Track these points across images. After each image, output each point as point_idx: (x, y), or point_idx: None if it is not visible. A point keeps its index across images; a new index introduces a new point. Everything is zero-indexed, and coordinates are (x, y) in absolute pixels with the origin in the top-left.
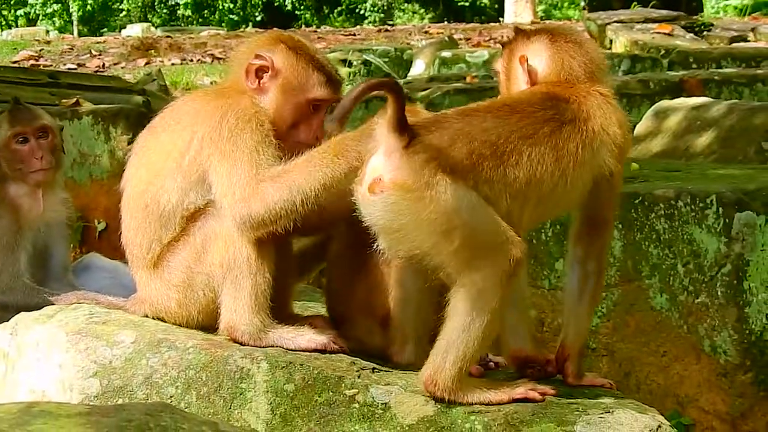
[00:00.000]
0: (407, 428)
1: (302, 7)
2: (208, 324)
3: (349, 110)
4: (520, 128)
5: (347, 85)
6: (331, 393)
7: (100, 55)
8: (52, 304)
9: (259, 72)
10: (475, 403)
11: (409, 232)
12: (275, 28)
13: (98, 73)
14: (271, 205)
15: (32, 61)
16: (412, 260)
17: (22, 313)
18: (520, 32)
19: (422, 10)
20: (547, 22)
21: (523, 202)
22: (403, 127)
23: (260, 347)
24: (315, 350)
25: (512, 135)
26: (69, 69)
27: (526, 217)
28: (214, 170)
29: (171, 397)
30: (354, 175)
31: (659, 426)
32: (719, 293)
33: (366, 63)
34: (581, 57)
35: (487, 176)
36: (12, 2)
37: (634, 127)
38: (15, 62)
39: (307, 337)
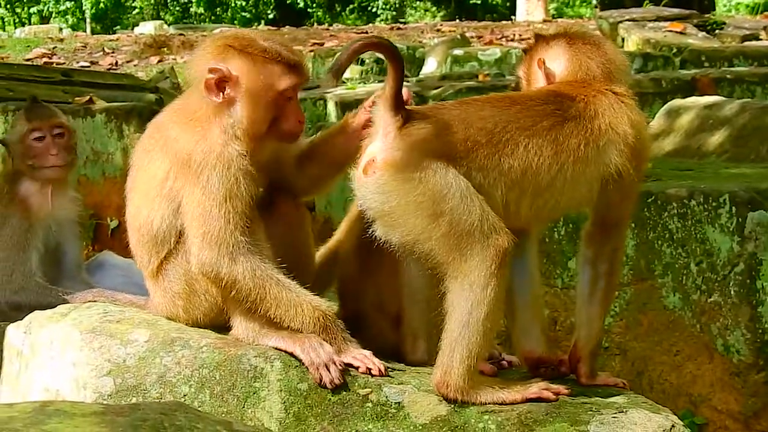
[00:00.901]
0: (420, 428)
1: (314, 5)
2: (219, 324)
3: (345, 65)
4: (518, 119)
5: (359, 82)
6: (344, 392)
7: (113, 52)
8: (67, 302)
9: (220, 84)
10: (489, 403)
11: (399, 215)
12: (239, 29)
13: (111, 71)
14: (236, 276)
15: (45, 59)
16: (405, 248)
17: (36, 311)
18: (540, 38)
19: (434, 8)
20: (559, 20)
21: (520, 194)
22: (398, 106)
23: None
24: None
25: (510, 125)
26: (82, 67)
27: (525, 210)
28: (186, 207)
29: (184, 395)
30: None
31: (673, 426)
32: (732, 292)
33: (378, 61)
34: (599, 57)
35: (481, 163)
36: (25, 0)
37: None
38: (28, 60)
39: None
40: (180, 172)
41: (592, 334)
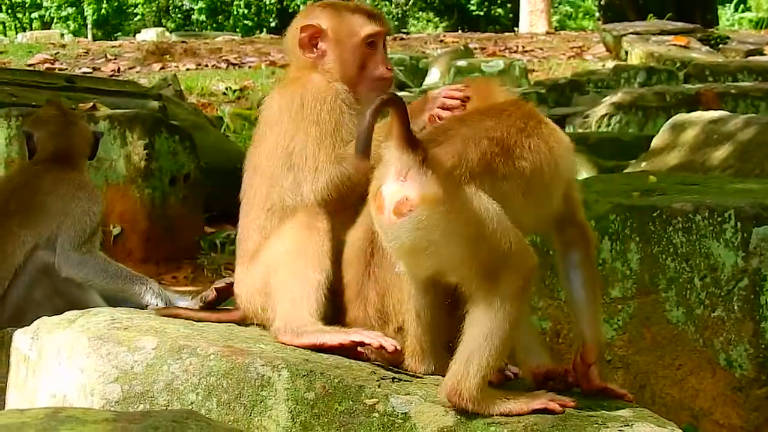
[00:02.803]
0: None
1: None
2: None
3: (369, 139)
4: (514, 123)
5: None
6: (351, 402)
7: (115, 59)
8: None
9: (312, 40)
10: (497, 414)
11: (438, 247)
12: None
13: (114, 78)
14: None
15: (47, 65)
16: (431, 278)
17: (44, 317)
18: None
19: (437, 19)
20: (562, 33)
21: (529, 197)
22: (414, 144)
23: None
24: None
25: (510, 129)
26: (84, 73)
27: (531, 216)
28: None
29: (192, 403)
30: None
31: None
32: (736, 307)
33: None
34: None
35: (502, 172)
36: (27, 5)
37: (651, 139)
38: (30, 65)
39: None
40: (291, 124)
41: (598, 336)
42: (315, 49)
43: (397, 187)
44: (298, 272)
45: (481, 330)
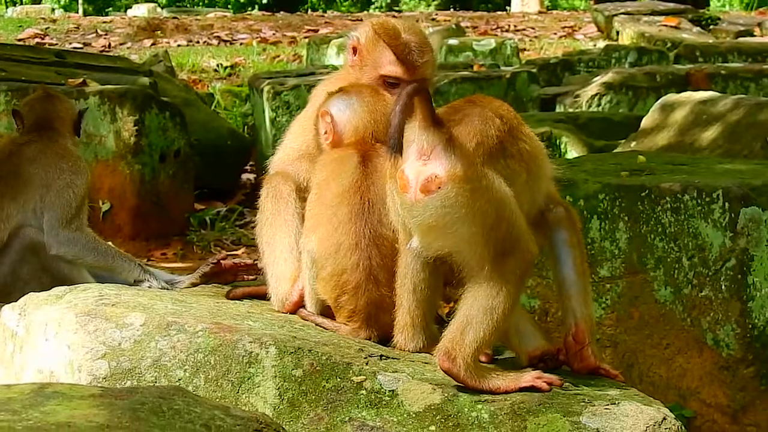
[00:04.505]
0: (414, 416)
1: None
2: None
3: (400, 135)
4: (508, 108)
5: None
6: (338, 379)
7: (106, 34)
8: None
9: (354, 51)
10: (485, 389)
11: (462, 225)
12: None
13: (104, 53)
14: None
15: (38, 40)
16: (441, 254)
17: (31, 293)
18: None
19: None
20: (554, 12)
21: (529, 178)
22: (439, 123)
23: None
24: None
25: (509, 112)
26: (74, 48)
27: (529, 198)
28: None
29: (179, 380)
30: None
31: (664, 418)
32: (723, 287)
33: None
34: None
35: (510, 152)
36: None
37: (641, 119)
38: (20, 40)
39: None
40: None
41: (590, 314)
42: (352, 59)
43: (420, 165)
44: (269, 241)
45: (481, 304)
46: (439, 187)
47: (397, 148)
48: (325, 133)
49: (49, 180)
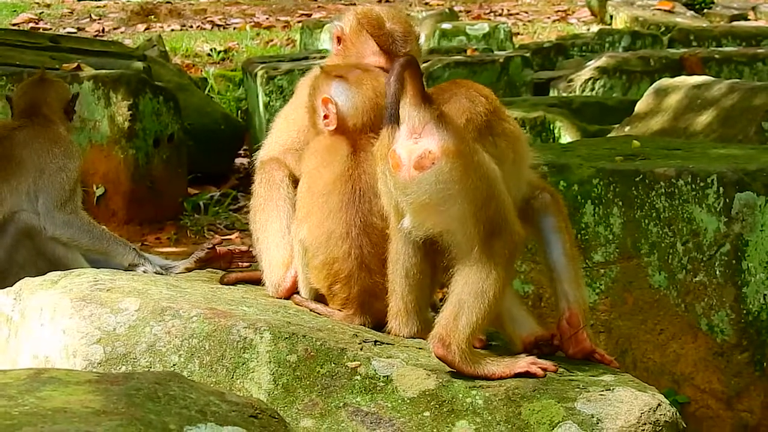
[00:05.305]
0: (408, 401)
1: None
2: None
3: (396, 105)
4: (490, 91)
5: None
6: (333, 365)
7: (99, 19)
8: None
9: (339, 40)
10: (480, 375)
11: (455, 202)
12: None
13: (98, 38)
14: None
15: (32, 24)
16: (432, 234)
17: (27, 278)
18: None
19: None
20: None
21: (515, 159)
22: (429, 100)
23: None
24: None
25: (492, 94)
26: (69, 33)
27: (515, 182)
28: None
29: (174, 365)
30: None
31: (659, 404)
32: (718, 273)
33: None
34: None
35: (497, 130)
36: None
37: (635, 104)
38: (14, 25)
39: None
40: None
41: (583, 298)
42: (337, 47)
43: (412, 144)
44: (263, 227)
45: (472, 288)
46: (433, 163)
47: (395, 118)
48: (326, 118)
49: (42, 164)
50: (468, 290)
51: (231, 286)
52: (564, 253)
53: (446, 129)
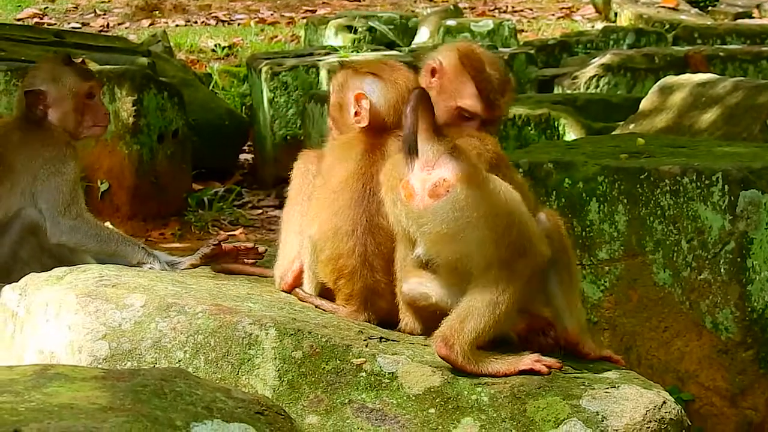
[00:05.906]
0: (414, 398)
1: None
2: None
3: (414, 136)
4: (494, 141)
5: (351, 51)
6: (338, 361)
7: (104, 14)
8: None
9: (433, 72)
10: (484, 373)
11: (473, 230)
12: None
13: (103, 33)
14: None
15: (36, 19)
16: (451, 260)
17: (32, 273)
18: None
19: None
20: None
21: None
22: (441, 133)
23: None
24: None
25: (496, 144)
26: (73, 28)
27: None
28: None
29: (179, 361)
30: None
31: (664, 402)
32: (722, 270)
33: (371, 30)
34: None
35: (504, 171)
36: None
37: (639, 101)
38: (19, 20)
39: None
40: None
41: (577, 310)
42: (430, 81)
43: (426, 174)
44: (287, 219)
45: (485, 297)
46: (448, 191)
47: (414, 149)
48: (356, 115)
49: (34, 169)
50: (481, 298)
51: (236, 283)
52: (559, 286)
53: (460, 159)
